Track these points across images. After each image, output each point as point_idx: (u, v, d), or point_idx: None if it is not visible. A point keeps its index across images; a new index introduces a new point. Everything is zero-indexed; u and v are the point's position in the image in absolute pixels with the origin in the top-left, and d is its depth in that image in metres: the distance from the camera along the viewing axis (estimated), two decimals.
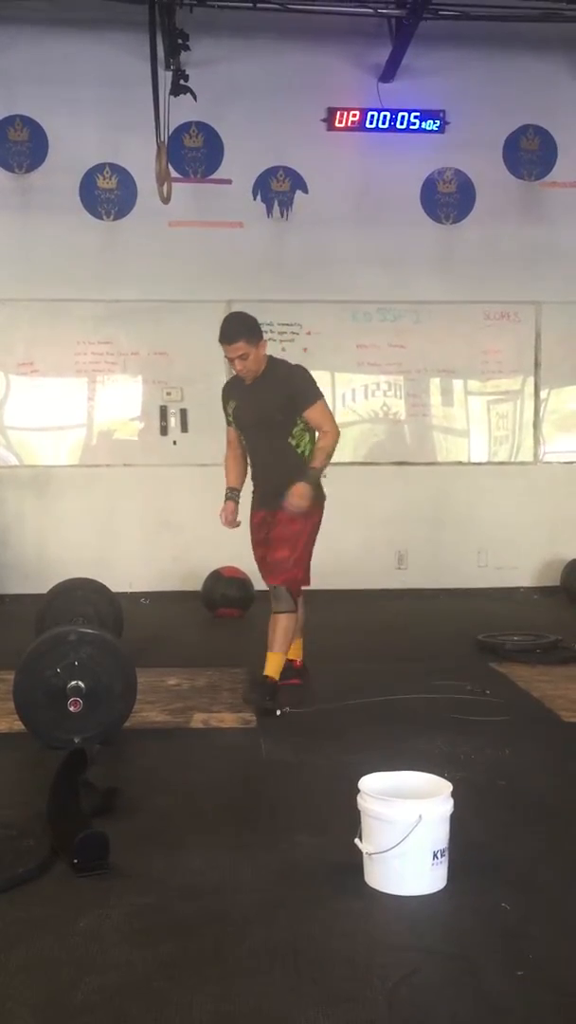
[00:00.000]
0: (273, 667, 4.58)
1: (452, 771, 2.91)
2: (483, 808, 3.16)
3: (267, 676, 4.56)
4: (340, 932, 2.49)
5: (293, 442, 4.62)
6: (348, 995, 2.21)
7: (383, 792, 2.76)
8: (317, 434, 4.63)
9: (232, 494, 4.83)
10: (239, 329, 4.51)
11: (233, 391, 4.78)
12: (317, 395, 4.63)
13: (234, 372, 4.67)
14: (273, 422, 4.58)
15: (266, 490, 4.69)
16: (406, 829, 2.63)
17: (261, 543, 4.76)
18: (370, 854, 2.70)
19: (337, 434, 4.63)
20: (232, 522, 4.76)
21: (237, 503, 4.81)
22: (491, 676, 5.09)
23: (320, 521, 4.74)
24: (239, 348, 4.50)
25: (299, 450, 4.61)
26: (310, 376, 4.68)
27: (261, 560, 4.78)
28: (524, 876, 2.80)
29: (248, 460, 4.83)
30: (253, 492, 4.83)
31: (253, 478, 4.84)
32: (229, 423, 4.84)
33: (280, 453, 4.62)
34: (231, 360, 4.57)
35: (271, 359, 4.67)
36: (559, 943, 2.44)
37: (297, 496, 4.44)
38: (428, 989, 2.25)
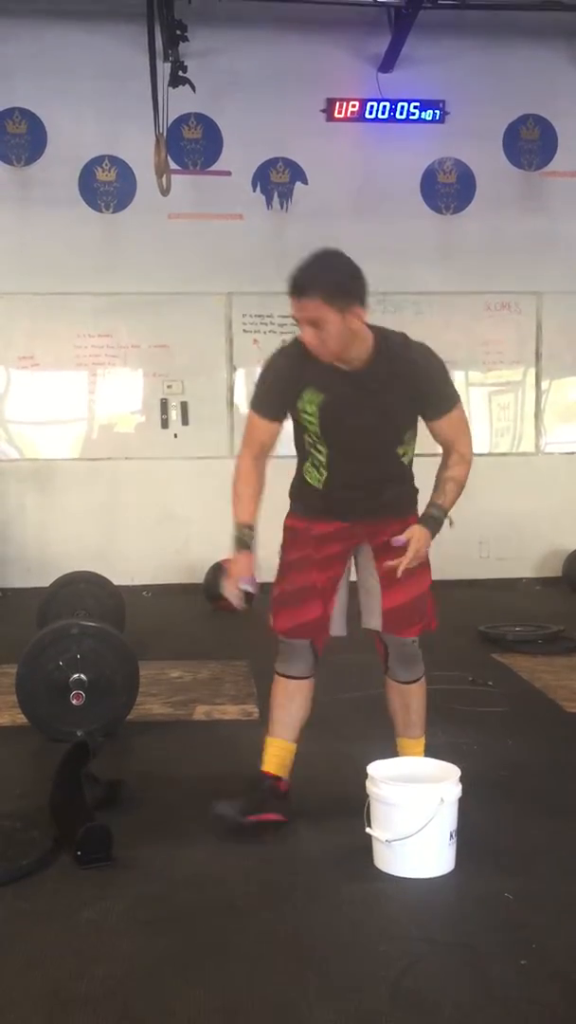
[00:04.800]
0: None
1: (454, 762, 2.91)
2: (485, 798, 3.15)
3: None
4: (343, 921, 2.50)
5: (401, 451, 3.08)
6: (351, 985, 2.21)
7: (393, 778, 2.77)
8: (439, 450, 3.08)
9: (245, 537, 3.07)
10: (316, 278, 2.81)
11: (311, 373, 2.95)
12: (456, 396, 3.07)
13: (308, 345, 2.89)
14: (391, 432, 3.03)
15: (351, 507, 3.09)
16: (428, 813, 2.65)
17: (324, 566, 3.10)
18: (389, 841, 2.70)
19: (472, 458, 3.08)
20: (250, 584, 3.01)
21: (253, 552, 3.08)
22: (493, 667, 5.09)
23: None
24: (309, 307, 2.80)
25: (405, 459, 3.11)
26: (445, 367, 3.06)
27: (324, 591, 3.08)
28: (526, 865, 2.81)
29: (309, 474, 3.15)
30: (311, 498, 3.17)
31: (321, 487, 3.13)
32: (276, 420, 3.08)
33: (385, 470, 3.08)
34: (298, 323, 2.87)
35: (382, 334, 3.01)
36: (562, 932, 2.44)
37: (418, 546, 2.95)
38: (431, 978, 2.25)
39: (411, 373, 2.96)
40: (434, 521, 3.03)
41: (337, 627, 3.16)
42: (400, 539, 2.94)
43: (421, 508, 3.14)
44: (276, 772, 3.12)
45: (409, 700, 3.23)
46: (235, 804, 3.02)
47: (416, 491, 3.19)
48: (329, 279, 2.85)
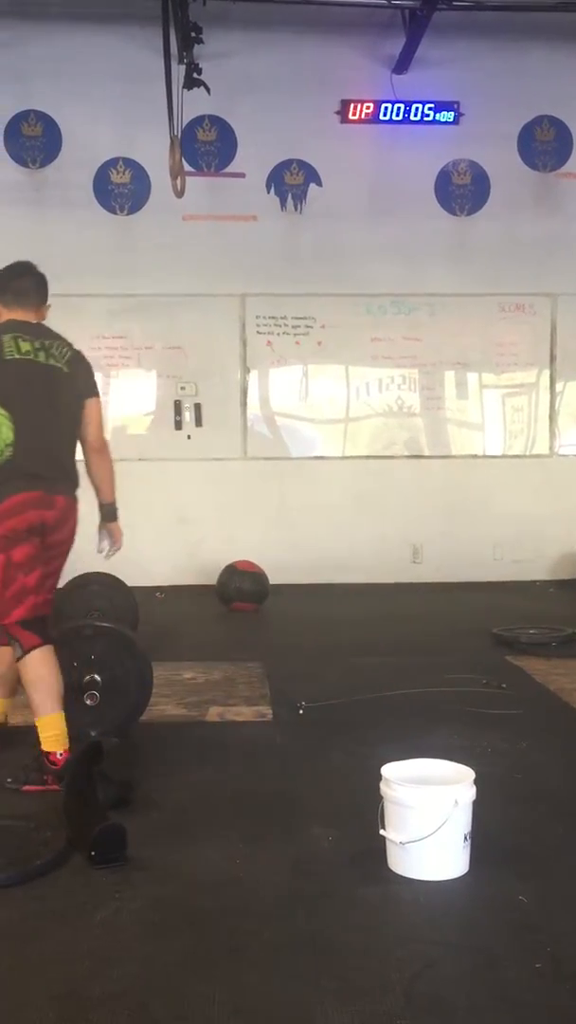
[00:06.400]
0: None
1: (469, 764, 2.90)
2: (500, 801, 3.15)
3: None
4: (357, 924, 2.49)
5: None
6: (366, 988, 2.21)
7: (407, 780, 2.76)
8: None
9: None
10: None
11: None
12: None
13: None
14: None
15: None
16: (442, 815, 2.65)
17: None
18: (403, 843, 2.70)
19: None
20: None
21: None
22: (507, 670, 5.08)
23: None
24: None
25: None
26: None
27: None
28: (541, 868, 2.80)
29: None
30: None
31: None
32: None
33: None
34: None
35: None
36: None
37: None
38: (445, 981, 2.24)
39: None
40: None
41: None
42: None
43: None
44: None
45: None
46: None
47: None
48: None
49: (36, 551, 3.48)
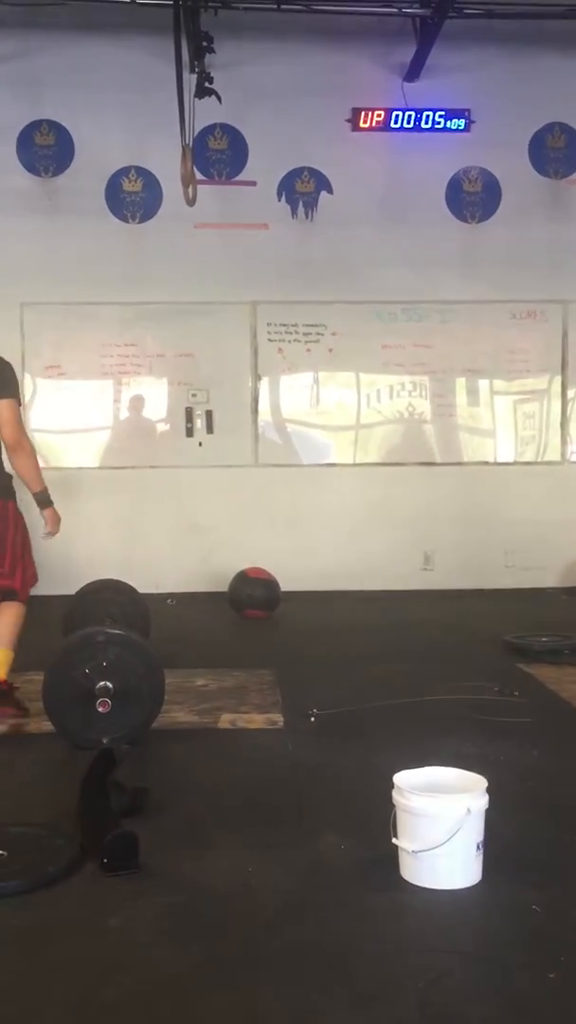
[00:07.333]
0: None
1: (480, 772, 2.89)
2: (512, 810, 3.13)
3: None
4: (369, 932, 2.49)
5: None
6: (378, 997, 2.20)
7: (419, 788, 2.76)
8: None
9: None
10: None
11: None
12: None
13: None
14: None
15: None
16: (455, 824, 2.64)
17: None
18: (415, 852, 2.69)
19: None
20: None
21: None
22: (519, 677, 5.06)
23: None
24: None
25: None
26: None
27: None
28: (554, 878, 2.78)
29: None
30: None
31: None
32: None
33: None
34: None
35: None
36: None
37: None
38: (458, 991, 2.24)
39: None
40: None
41: None
42: None
43: None
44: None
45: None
46: None
47: None
48: None
49: None
